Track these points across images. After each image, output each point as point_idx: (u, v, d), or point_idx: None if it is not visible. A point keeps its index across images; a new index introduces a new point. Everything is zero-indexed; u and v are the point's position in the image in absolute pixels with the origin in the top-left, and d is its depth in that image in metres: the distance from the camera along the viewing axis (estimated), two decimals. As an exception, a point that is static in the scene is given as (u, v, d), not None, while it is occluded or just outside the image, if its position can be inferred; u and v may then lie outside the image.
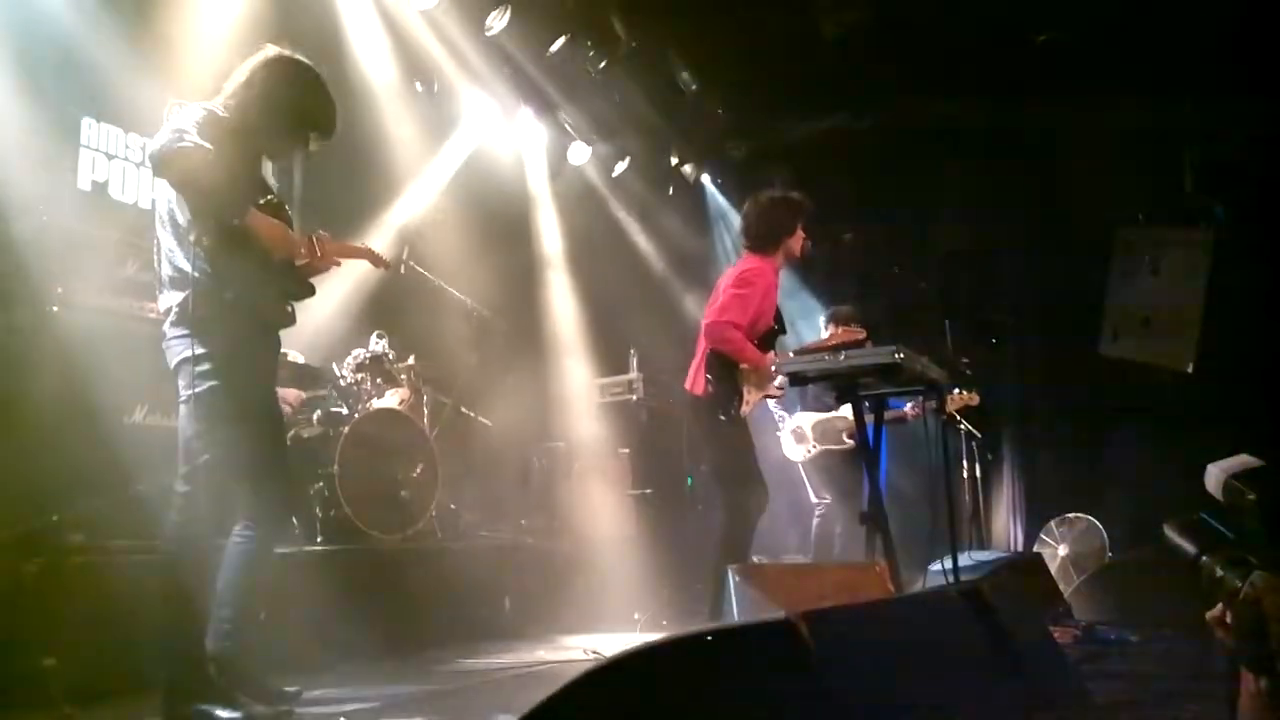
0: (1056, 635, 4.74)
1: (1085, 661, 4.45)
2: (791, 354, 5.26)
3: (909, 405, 7.04)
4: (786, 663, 1.44)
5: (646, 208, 10.16)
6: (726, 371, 5.35)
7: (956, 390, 7.16)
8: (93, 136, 5.97)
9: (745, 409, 5.37)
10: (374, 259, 4.32)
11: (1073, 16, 7.88)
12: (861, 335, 5.95)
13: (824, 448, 7.09)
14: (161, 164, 3.49)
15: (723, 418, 5.35)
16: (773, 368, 5.16)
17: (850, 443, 7.03)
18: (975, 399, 7.32)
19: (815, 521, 7.20)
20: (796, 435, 7.17)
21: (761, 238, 5.59)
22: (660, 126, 9.59)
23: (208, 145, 3.50)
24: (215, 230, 3.57)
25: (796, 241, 5.60)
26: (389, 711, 3.92)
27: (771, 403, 6.48)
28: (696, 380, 5.44)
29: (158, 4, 6.10)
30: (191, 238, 3.56)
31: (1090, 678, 3.90)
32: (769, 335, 5.51)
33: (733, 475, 5.44)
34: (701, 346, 5.45)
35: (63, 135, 5.78)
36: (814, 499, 7.21)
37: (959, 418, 7.54)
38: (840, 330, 6.79)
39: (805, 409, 7.23)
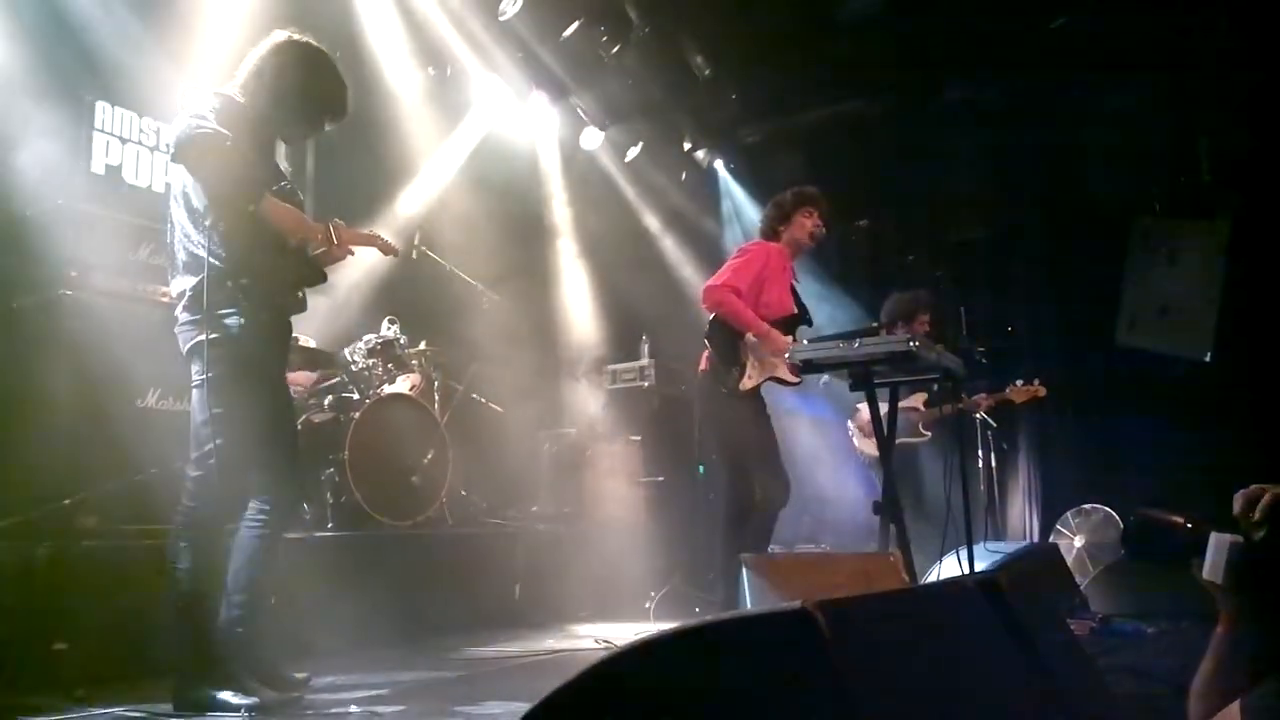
0: (1073, 628, 4.73)
1: (1102, 655, 4.41)
2: (805, 341, 5.22)
3: (979, 396, 6.98)
4: (802, 653, 1.41)
5: (659, 193, 10.13)
6: (728, 342, 5.38)
7: (1019, 381, 7.11)
8: (106, 120, 5.94)
9: (747, 384, 5.31)
10: (384, 247, 4.31)
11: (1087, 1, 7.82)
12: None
13: (900, 440, 6.59)
14: (180, 149, 3.54)
15: (723, 390, 5.34)
16: (786, 354, 5.12)
17: (927, 435, 6.88)
18: (1042, 391, 7.15)
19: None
20: (865, 429, 6.87)
21: (763, 230, 5.77)
22: (673, 111, 9.55)
23: (226, 131, 3.52)
24: (232, 215, 3.57)
25: (800, 229, 5.64)
26: (398, 698, 3.91)
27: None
28: (702, 357, 5.51)
29: (172, -13, 6.09)
30: (208, 222, 3.57)
31: (1107, 671, 3.87)
32: (788, 321, 5.47)
33: (734, 456, 5.40)
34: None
35: (76, 119, 5.77)
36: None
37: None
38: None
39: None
